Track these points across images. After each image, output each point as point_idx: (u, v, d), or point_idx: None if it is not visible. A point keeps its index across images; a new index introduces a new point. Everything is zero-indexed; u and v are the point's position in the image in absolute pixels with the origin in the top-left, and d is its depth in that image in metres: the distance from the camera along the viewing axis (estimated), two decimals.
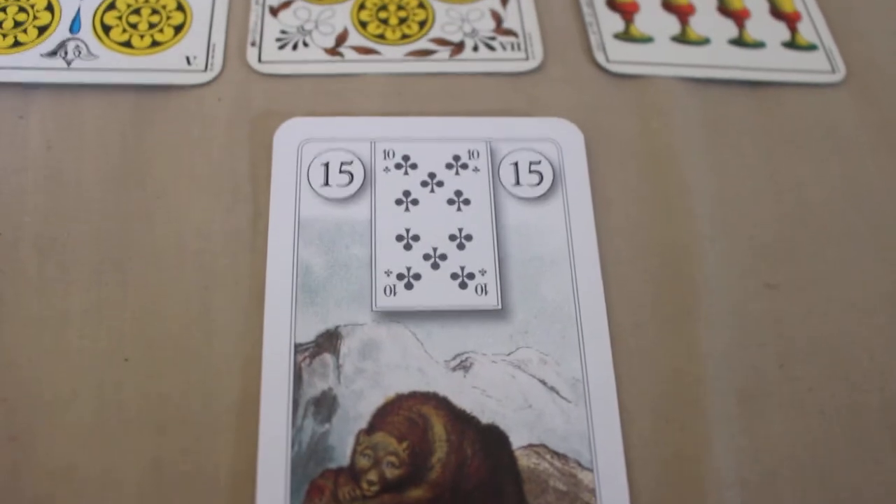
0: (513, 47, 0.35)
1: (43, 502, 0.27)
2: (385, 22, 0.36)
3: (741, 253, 0.32)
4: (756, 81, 0.36)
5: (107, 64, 0.33)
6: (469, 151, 0.32)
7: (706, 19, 0.38)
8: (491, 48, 0.35)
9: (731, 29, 0.38)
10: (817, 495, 0.28)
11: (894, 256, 0.33)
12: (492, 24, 0.36)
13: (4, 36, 0.34)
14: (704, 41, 0.37)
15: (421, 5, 0.36)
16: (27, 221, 0.31)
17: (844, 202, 0.34)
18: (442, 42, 0.35)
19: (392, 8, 0.36)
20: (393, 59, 0.34)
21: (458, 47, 0.35)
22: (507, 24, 0.36)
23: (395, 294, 0.29)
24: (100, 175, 0.32)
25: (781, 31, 0.38)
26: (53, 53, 0.33)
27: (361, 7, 0.36)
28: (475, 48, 0.35)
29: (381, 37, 0.35)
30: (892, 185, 0.34)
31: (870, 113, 0.36)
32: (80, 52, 0.34)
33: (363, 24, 0.35)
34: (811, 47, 0.38)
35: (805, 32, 0.38)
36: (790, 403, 0.30)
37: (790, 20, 0.39)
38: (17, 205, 0.31)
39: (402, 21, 0.36)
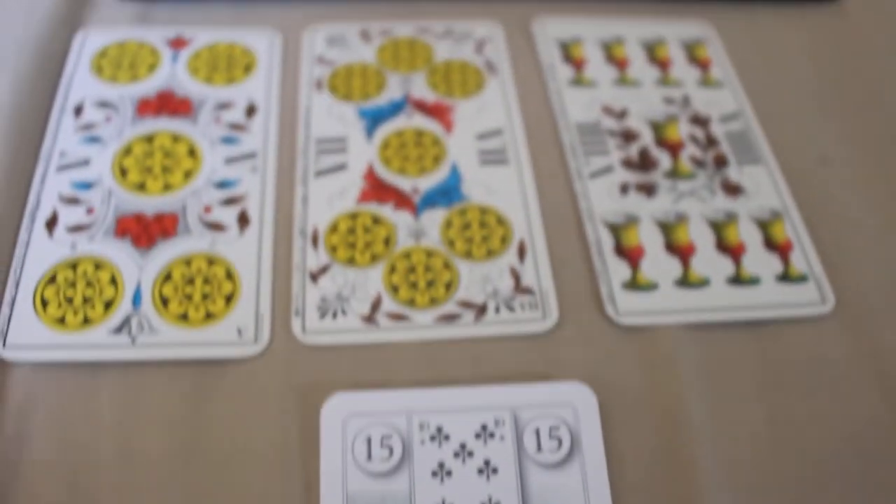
0: (530, 306, 0.39)
1: None
2: (414, 286, 0.39)
3: (744, 501, 0.36)
4: (752, 321, 0.40)
5: (167, 339, 0.37)
6: (495, 420, 0.36)
7: (706, 258, 0.41)
8: (511, 309, 0.39)
9: (728, 266, 0.41)
10: None
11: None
12: (511, 282, 0.40)
13: (76, 313, 0.38)
14: (704, 282, 0.41)
15: (446, 265, 0.40)
16: (104, 496, 0.35)
17: (835, 439, 0.37)
18: (467, 304, 0.39)
19: (420, 270, 0.40)
20: (423, 324, 0.38)
21: (482, 310, 0.39)
22: (525, 282, 0.40)
23: None
24: (165, 449, 0.35)
25: (775, 264, 0.42)
26: (119, 330, 0.37)
27: (392, 270, 0.40)
28: (497, 310, 0.39)
29: (412, 301, 0.39)
30: (878, 418, 0.38)
31: (856, 343, 0.39)
32: (143, 328, 0.37)
33: (395, 289, 0.39)
34: (802, 278, 0.41)
35: (797, 262, 0.42)
36: None
37: (783, 250, 0.42)
38: (94, 477, 0.35)
39: (430, 284, 0.39)
